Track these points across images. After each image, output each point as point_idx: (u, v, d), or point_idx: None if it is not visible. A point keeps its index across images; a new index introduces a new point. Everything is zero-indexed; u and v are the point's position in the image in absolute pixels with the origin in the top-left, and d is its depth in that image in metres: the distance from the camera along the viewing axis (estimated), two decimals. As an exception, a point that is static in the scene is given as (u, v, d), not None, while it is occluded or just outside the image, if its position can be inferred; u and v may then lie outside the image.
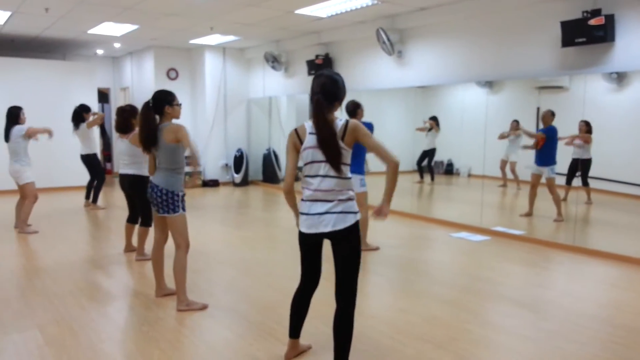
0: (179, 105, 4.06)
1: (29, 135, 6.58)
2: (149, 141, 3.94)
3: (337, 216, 2.78)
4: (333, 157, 2.77)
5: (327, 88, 2.81)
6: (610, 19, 5.49)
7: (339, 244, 2.83)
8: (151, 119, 3.93)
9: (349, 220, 2.79)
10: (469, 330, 3.69)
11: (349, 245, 2.81)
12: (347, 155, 2.82)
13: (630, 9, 5.39)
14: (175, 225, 3.99)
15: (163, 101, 3.96)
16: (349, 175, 2.86)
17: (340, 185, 2.81)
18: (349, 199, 2.83)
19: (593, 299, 4.40)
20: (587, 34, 5.59)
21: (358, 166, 5.66)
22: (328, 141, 2.76)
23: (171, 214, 3.94)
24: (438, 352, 3.32)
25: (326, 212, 2.79)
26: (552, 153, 7.10)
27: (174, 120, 4.02)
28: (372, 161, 5.79)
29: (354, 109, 5.60)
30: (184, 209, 4.01)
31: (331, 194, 2.80)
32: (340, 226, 2.77)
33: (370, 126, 5.63)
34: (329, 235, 2.81)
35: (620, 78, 7.09)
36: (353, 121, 2.81)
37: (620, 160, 7.39)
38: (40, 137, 6.93)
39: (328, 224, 2.78)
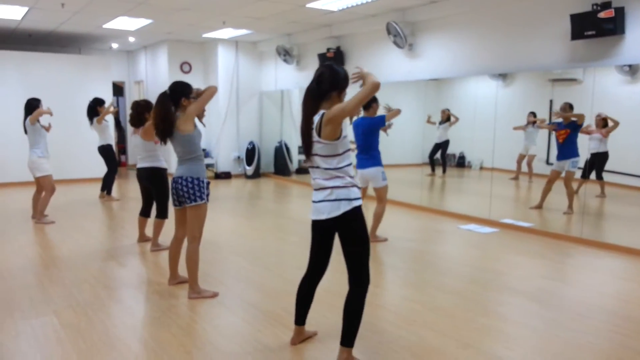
0: (195, 98, 4.06)
1: (32, 121, 6.68)
2: (167, 132, 3.93)
3: (332, 204, 2.84)
4: (305, 149, 2.87)
5: (324, 77, 2.84)
6: (620, 12, 5.48)
7: (340, 231, 2.91)
8: (169, 110, 3.92)
9: (343, 207, 2.81)
10: (471, 318, 3.76)
11: (348, 231, 2.87)
12: (326, 148, 2.82)
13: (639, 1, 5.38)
14: (198, 216, 4.03)
15: (180, 93, 3.97)
16: (338, 166, 2.86)
17: (330, 175, 2.86)
18: (344, 187, 2.84)
19: (598, 290, 4.44)
20: (597, 26, 5.59)
21: (376, 159, 5.72)
22: (302, 133, 2.86)
23: (198, 201, 3.98)
24: (440, 340, 3.40)
25: (322, 200, 2.87)
26: (574, 146, 7.05)
27: None
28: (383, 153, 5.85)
29: (369, 103, 5.65)
30: (207, 198, 4.06)
31: (325, 182, 2.87)
32: (335, 214, 2.83)
33: (382, 118, 5.68)
34: (329, 222, 2.88)
35: (633, 70, 7.06)
36: (326, 112, 2.79)
37: (633, 153, 7.35)
38: (44, 122, 6.95)
39: (324, 212, 2.86)
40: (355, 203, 2.85)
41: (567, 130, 7.00)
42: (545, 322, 3.71)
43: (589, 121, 7.03)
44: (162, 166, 5.50)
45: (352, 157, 2.99)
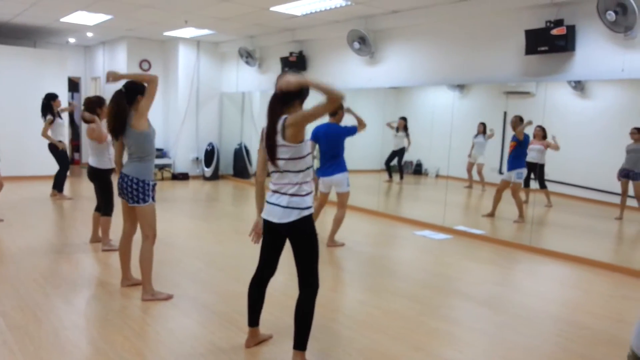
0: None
1: None
2: (118, 129, 3.93)
3: (284, 210, 2.92)
4: (269, 153, 2.91)
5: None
6: (571, 30, 5.72)
7: (289, 237, 2.99)
8: (123, 108, 3.91)
9: (293, 216, 2.90)
10: (424, 322, 3.85)
11: (298, 238, 2.96)
12: (290, 150, 2.87)
13: (590, 21, 5.62)
14: (145, 216, 4.01)
15: (136, 91, 3.95)
16: (302, 168, 2.92)
17: (291, 180, 2.92)
18: (299, 195, 2.91)
19: (545, 296, 4.61)
20: (550, 43, 5.82)
21: (343, 166, 5.74)
22: (267, 138, 2.91)
23: (141, 204, 3.96)
24: (393, 343, 3.47)
25: (276, 205, 2.94)
26: (521, 158, 7.32)
27: None
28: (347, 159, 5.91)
29: (336, 110, 5.70)
30: (153, 199, 4.04)
31: (283, 187, 2.94)
32: (284, 220, 2.92)
33: (354, 130, 5.71)
34: (279, 226, 2.95)
35: (582, 86, 7.38)
36: (289, 116, 2.87)
37: (581, 165, 7.69)
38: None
39: (276, 216, 2.94)
40: (305, 212, 2.93)
41: (514, 142, 7.28)
42: (494, 326, 3.84)
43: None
44: (104, 167, 5.46)
45: (312, 160, 3.05)
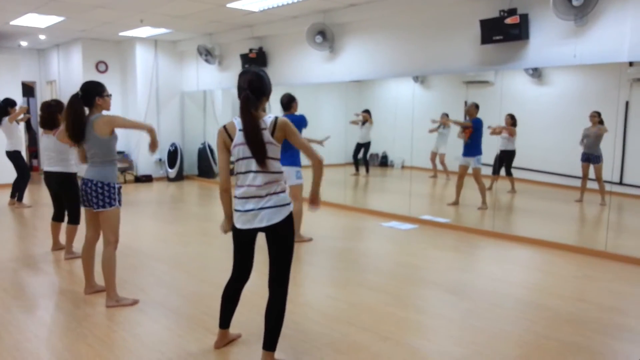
0: (109, 96, 3.99)
1: None
2: (79, 135, 3.84)
3: (272, 210, 2.85)
4: (258, 152, 2.83)
5: (254, 84, 2.88)
6: (524, 18, 5.84)
7: (274, 237, 2.90)
8: (80, 112, 3.83)
9: (284, 213, 2.87)
10: (392, 312, 3.89)
11: (284, 237, 2.89)
12: (276, 150, 2.89)
13: (543, 9, 5.74)
14: (109, 220, 3.92)
15: (93, 93, 3.87)
16: (281, 169, 2.95)
17: (272, 179, 2.88)
18: (282, 191, 2.91)
19: (508, 280, 4.71)
20: (504, 32, 5.93)
21: (294, 158, 5.75)
22: (254, 136, 2.82)
23: (107, 207, 3.87)
24: (363, 334, 3.49)
25: (260, 208, 2.86)
26: (478, 144, 7.45)
27: (104, 112, 3.95)
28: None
29: (289, 102, 5.69)
30: (119, 203, 3.95)
31: (264, 188, 2.86)
32: (276, 220, 2.85)
33: (302, 118, 5.72)
34: (265, 229, 2.88)
35: (538, 73, 7.54)
36: (282, 119, 2.89)
37: (539, 151, 7.87)
38: None
39: (263, 219, 2.85)
40: (291, 207, 2.94)
41: (471, 129, 7.41)
42: (461, 313, 3.90)
43: (499, 121, 7.45)
44: (72, 171, 5.30)
45: None
